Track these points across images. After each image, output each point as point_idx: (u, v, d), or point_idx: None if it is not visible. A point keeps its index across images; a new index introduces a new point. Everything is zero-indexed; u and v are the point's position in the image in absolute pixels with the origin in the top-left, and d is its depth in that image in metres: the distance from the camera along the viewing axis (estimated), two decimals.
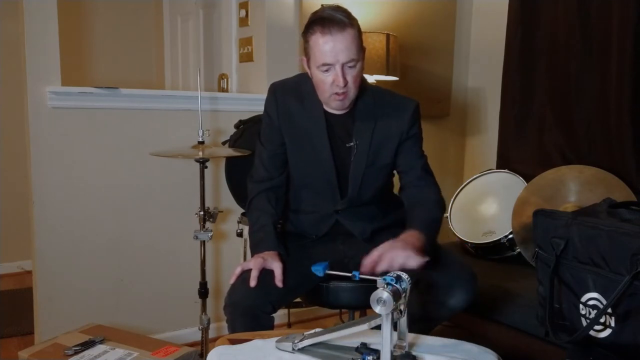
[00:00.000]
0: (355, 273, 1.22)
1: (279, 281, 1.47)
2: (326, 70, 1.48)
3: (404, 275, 1.08)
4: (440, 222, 1.60)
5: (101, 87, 2.21)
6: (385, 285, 1.03)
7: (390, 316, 1.03)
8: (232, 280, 1.50)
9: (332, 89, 1.50)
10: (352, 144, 1.61)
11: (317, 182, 1.67)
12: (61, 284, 2.22)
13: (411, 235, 1.45)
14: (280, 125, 1.65)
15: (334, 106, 1.58)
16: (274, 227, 1.62)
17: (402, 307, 1.07)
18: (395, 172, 1.74)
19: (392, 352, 1.06)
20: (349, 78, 1.49)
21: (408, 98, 1.68)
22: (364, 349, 1.14)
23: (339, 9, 1.49)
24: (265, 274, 1.47)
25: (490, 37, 2.98)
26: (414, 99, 1.68)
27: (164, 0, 3.70)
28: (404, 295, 1.06)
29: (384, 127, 1.61)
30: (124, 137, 2.30)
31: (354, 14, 1.52)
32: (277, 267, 1.49)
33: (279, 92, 1.67)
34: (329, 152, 1.62)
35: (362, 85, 1.59)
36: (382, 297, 1.02)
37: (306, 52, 1.53)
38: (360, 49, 1.51)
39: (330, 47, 1.45)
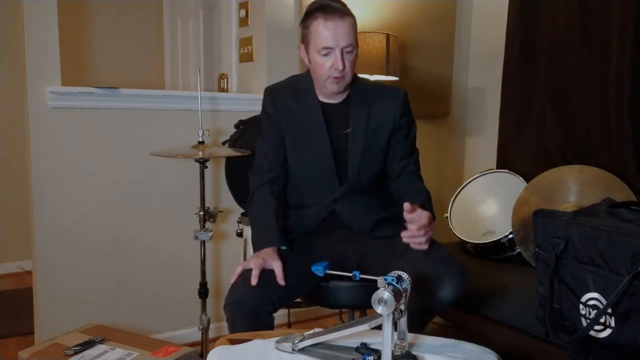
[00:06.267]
0: (356, 273, 1.22)
1: (280, 279, 1.48)
2: (326, 54, 1.56)
3: (405, 275, 1.08)
4: (431, 205, 1.68)
5: (101, 87, 2.21)
6: (387, 285, 1.04)
7: (391, 316, 1.03)
8: (232, 280, 1.50)
9: (330, 72, 1.57)
10: (348, 130, 1.67)
11: (316, 173, 1.71)
12: (61, 284, 2.22)
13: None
14: (278, 121, 1.71)
15: (330, 89, 1.63)
16: (277, 221, 1.63)
17: (402, 307, 1.07)
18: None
19: (392, 352, 1.06)
20: (347, 62, 1.57)
21: (395, 87, 1.76)
22: (364, 349, 1.14)
23: None
24: (266, 273, 1.48)
25: (490, 37, 2.98)
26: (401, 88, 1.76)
27: (164, 0, 3.70)
28: (404, 295, 1.06)
29: (378, 112, 1.69)
30: (124, 137, 2.30)
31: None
32: (277, 266, 1.49)
33: (275, 92, 1.74)
34: (327, 139, 1.67)
35: (354, 75, 1.67)
36: (383, 297, 1.02)
37: (305, 38, 1.60)
38: (356, 37, 1.60)
39: (332, 32, 1.53)
